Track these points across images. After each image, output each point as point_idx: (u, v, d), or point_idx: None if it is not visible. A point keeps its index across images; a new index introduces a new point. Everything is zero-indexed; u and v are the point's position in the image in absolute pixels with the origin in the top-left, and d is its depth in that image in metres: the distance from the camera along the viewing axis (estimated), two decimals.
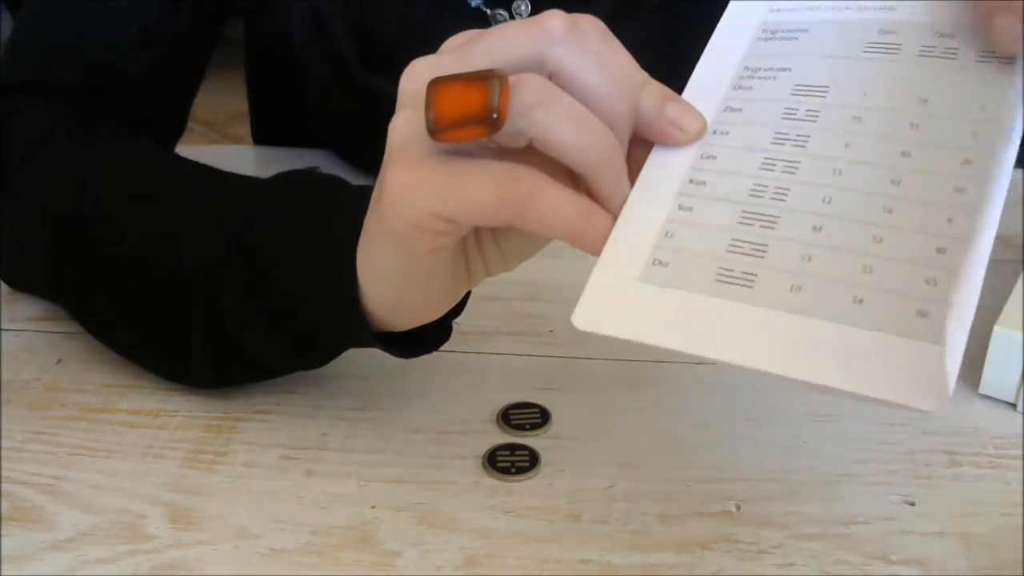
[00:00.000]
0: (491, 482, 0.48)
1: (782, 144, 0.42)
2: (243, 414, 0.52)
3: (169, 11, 0.66)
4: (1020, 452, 0.49)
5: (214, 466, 0.49)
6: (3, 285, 0.63)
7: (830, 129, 0.41)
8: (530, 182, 0.36)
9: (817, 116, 0.42)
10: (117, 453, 0.50)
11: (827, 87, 0.42)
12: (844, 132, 0.41)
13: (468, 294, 0.47)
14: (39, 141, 0.60)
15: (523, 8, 0.67)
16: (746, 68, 0.44)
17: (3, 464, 0.49)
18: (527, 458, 0.49)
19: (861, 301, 0.38)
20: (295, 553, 0.44)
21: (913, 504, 0.46)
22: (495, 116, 0.35)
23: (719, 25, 0.46)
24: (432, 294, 0.43)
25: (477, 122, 0.35)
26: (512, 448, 0.49)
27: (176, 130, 0.72)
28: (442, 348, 0.53)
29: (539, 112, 0.36)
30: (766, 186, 0.41)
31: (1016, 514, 0.45)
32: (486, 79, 0.36)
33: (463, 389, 0.54)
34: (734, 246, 0.40)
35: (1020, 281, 0.55)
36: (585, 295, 0.41)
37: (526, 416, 0.51)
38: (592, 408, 0.52)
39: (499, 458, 0.49)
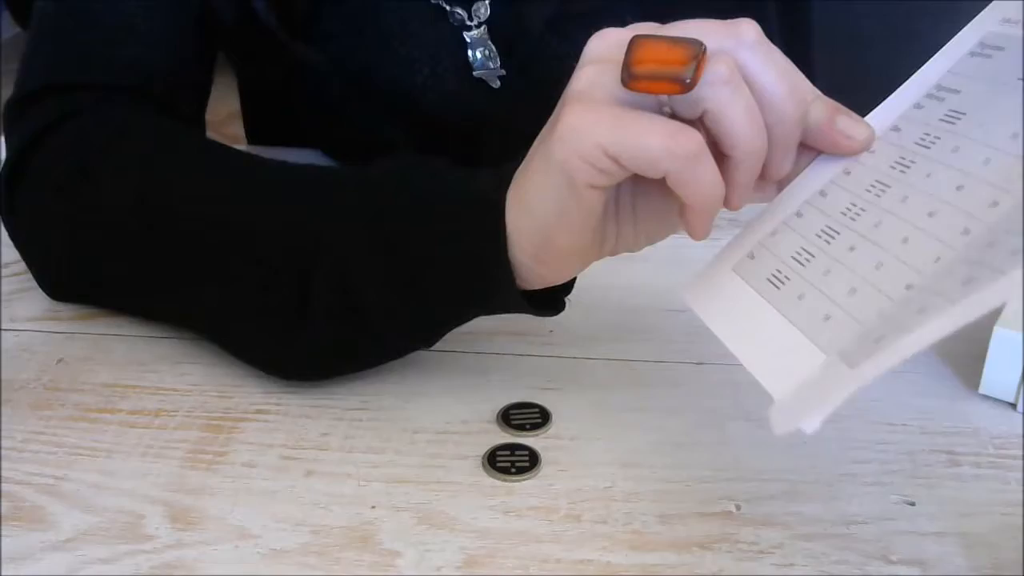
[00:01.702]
0: (491, 482, 0.48)
1: (894, 169, 0.42)
2: (243, 414, 0.52)
3: (180, 4, 0.66)
4: (1020, 452, 0.49)
5: (214, 466, 0.49)
6: (2, 284, 0.63)
7: (930, 157, 0.41)
8: (698, 143, 0.40)
9: (934, 143, 0.42)
10: (117, 453, 0.50)
11: (964, 114, 0.42)
12: (936, 161, 0.41)
13: (574, 278, 0.49)
14: (113, 137, 0.60)
15: (482, 11, 0.68)
16: (936, 85, 0.44)
17: (3, 464, 0.49)
18: (527, 458, 0.49)
19: (828, 318, 0.39)
20: (295, 553, 0.44)
21: (913, 504, 0.46)
22: (688, 80, 0.39)
23: (959, 34, 0.46)
24: (577, 241, 0.44)
25: (671, 79, 0.39)
26: (512, 448, 0.49)
27: (200, 125, 0.72)
28: (442, 348, 0.53)
29: (725, 89, 0.40)
30: (855, 205, 0.42)
31: (1016, 514, 0.45)
32: (690, 46, 0.39)
33: (463, 389, 0.54)
34: (798, 253, 0.42)
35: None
36: (700, 272, 0.46)
37: (526, 416, 0.51)
38: (592, 408, 0.52)
39: (499, 458, 0.49)
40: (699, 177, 0.40)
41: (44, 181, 0.60)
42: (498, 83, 0.70)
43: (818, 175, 0.44)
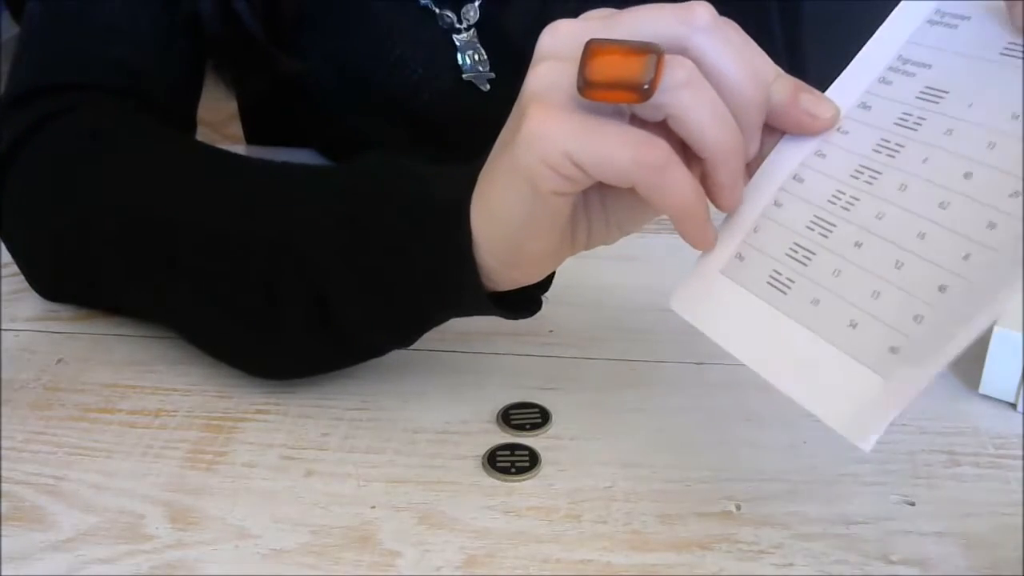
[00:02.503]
0: (491, 482, 0.48)
1: (879, 152, 0.40)
2: (243, 414, 0.52)
3: (167, 3, 0.66)
4: (1020, 452, 0.49)
5: (214, 466, 0.49)
6: (2, 284, 0.63)
7: (922, 141, 0.40)
8: (665, 153, 0.39)
9: (920, 125, 0.40)
10: (117, 453, 0.50)
11: (947, 92, 0.40)
12: (930, 145, 0.39)
13: (553, 272, 0.48)
14: (99, 138, 0.60)
15: (471, 15, 0.68)
16: (899, 57, 0.42)
17: (3, 464, 0.49)
18: (527, 458, 0.49)
19: (855, 326, 0.37)
20: (295, 553, 0.44)
21: (913, 504, 0.46)
22: (647, 87, 0.38)
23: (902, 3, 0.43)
24: (545, 244, 0.44)
25: (629, 88, 0.38)
26: (512, 448, 0.49)
27: (191, 126, 0.72)
28: (442, 348, 0.53)
29: (686, 92, 0.39)
30: (844, 193, 0.40)
31: (1016, 514, 0.45)
32: (646, 51, 0.38)
33: (463, 389, 0.54)
34: (792, 250, 0.41)
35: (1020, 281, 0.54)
36: (687, 278, 0.43)
37: (526, 416, 0.51)
38: (592, 408, 0.52)
39: (499, 458, 0.49)
40: (670, 185, 0.39)
41: (30, 181, 0.60)
42: (488, 86, 0.70)
43: (787, 158, 0.43)
